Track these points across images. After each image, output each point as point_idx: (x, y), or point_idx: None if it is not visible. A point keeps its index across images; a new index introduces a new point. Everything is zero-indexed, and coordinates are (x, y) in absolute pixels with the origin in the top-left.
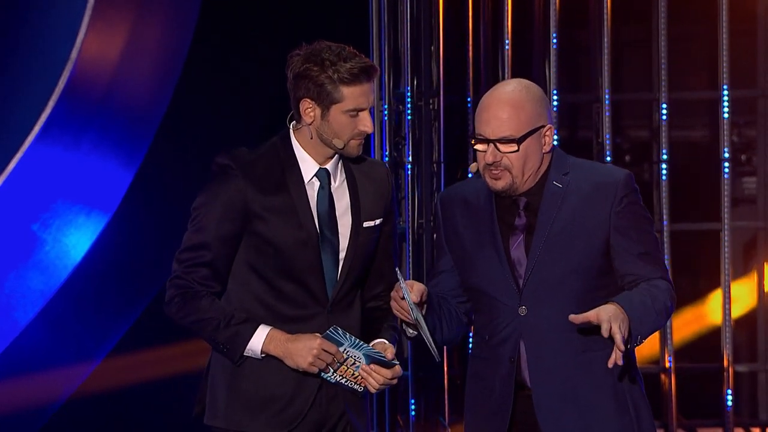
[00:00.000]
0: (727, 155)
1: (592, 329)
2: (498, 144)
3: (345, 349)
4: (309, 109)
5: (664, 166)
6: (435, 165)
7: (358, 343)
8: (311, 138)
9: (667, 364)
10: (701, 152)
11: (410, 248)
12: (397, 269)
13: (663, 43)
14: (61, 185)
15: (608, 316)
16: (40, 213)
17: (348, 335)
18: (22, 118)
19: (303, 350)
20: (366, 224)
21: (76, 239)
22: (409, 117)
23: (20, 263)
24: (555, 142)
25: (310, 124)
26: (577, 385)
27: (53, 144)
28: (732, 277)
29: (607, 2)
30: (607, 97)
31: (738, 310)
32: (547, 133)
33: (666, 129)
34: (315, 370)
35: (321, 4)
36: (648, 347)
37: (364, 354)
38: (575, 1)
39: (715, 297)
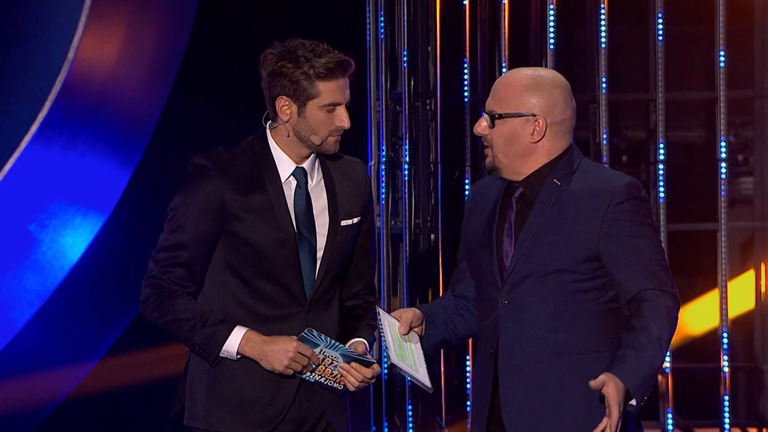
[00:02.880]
0: (724, 156)
1: (570, 331)
2: (485, 115)
3: (321, 350)
4: (285, 106)
5: (661, 166)
6: (432, 165)
7: (334, 344)
8: (288, 136)
9: (664, 365)
10: (698, 152)
11: (407, 248)
12: (376, 307)
13: (660, 44)
14: (57, 186)
15: (616, 400)
16: (37, 213)
17: (323, 336)
18: (19, 119)
19: (278, 353)
20: (344, 223)
21: (72, 240)
22: (406, 117)
23: (17, 264)
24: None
25: (286, 122)
26: (547, 385)
27: (50, 145)
28: (729, 278)
29: (604, 2)
30: (604, 97)
31: (735, 311)
32: (538, 123)
33: (663, 129)
34: (291, 372)
35: (318, 5)
36: None
37: (341, 354)
38: (572, 1)
39: (712, 297)
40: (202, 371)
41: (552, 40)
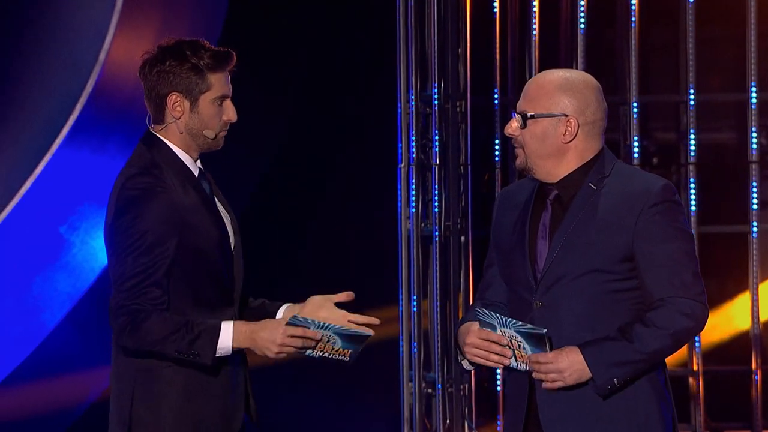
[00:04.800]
0: (754, 157)
1: (605, 330)
2: (517, 116)
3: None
4: (177, 103)
5: (691, 168)
6: (462, 167)
7: (324, 325)
8: (181, 134)
9: (695, 367)
10: (729, 154)
11: (437, 251)
12: (483, 312)
13: (690, 45)
14: (88, 188)
15: (558, 369)
16: (68, 215)
17: (309, 319)
18: (49, 121)
19: (268, 340)
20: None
21: (103, 242)
22: (436, 119)
23: (48, 266)
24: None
25: (178, 119)
26: (584, 386)
27: (81, 147)
28: (760, 280)
29: (634, 3)
30: (634, 99)
31: (766, 313)
32: (570, 123)
33: (694, 131)
34: (284, 356)
35: (348, 7)
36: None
37: (333, 332)
38: (603, 2)
39: (744, 300)
40: (151, 400)
41: (582, 42)
